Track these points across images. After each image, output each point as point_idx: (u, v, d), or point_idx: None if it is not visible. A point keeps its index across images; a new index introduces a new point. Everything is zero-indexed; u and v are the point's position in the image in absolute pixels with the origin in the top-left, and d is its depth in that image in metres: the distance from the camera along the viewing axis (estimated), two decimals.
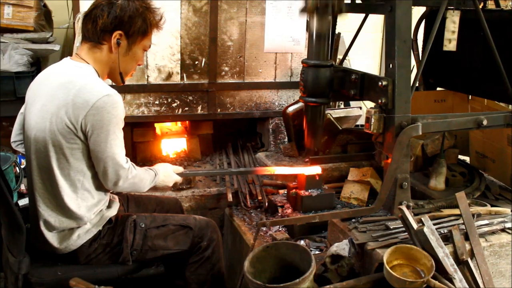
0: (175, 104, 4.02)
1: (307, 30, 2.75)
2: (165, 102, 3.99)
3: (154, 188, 2.50)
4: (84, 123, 1.98)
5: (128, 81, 3.78)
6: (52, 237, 2.17)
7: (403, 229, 2.46)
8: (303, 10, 2.58)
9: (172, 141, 4.49)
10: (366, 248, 2.40)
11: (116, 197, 2.48)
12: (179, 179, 2.63)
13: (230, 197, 3.54)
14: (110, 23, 2.05)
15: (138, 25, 2.09)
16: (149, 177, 2.34)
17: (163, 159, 4.31)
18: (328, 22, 2.61)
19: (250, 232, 3.11)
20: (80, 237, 2.20)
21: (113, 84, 2.29)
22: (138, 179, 2.24)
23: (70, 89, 2.00)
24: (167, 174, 2.53)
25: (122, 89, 3.79)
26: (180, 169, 2.68)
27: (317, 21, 2.58)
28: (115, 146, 2.05)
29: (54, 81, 2.08)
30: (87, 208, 2.18)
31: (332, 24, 2.78)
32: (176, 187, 3.64)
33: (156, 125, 4.41)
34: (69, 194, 2.11)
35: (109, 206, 2.34)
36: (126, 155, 2.18)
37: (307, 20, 2.71)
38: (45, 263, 2.22)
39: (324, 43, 2.68)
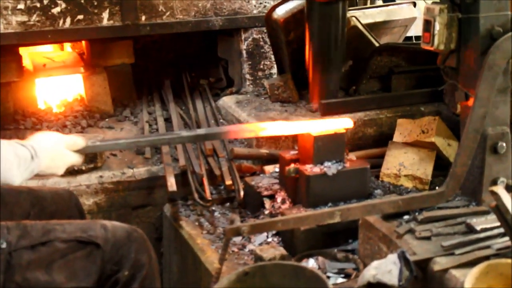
0: (58, 8, 3.98)
1: None
2: (38, 5, 3.94)
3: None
4: None
5: None
6: None
7: (501, 230, 2.48)
8: None
9: (56, 80, 4.46)
10: (432, 269, 2.43)
11: None
12: (77, 160, 2.62)
13: (172, 183, 3.53)
14: None
15: None
16: (16, 160, 2.33)
17: (40, 117, 4.27)
18: None
19: (212, 248, 3.13)
20: None
21: None
22: None
23: None
24: (57, 153, 2.52)
25: None
26: (80, 141, 2.65)
27: None
28: None
29: None
30: None
31: None
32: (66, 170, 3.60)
33: (22, 51, 4.35)
34: None
35: None
36: None
37: None
38: None
39: None
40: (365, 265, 2.65)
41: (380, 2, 5.37)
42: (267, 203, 3.28)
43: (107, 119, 4.37)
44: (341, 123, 3.23)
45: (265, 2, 4.40)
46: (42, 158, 2.41)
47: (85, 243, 2.48)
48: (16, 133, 3.94)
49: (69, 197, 2.95)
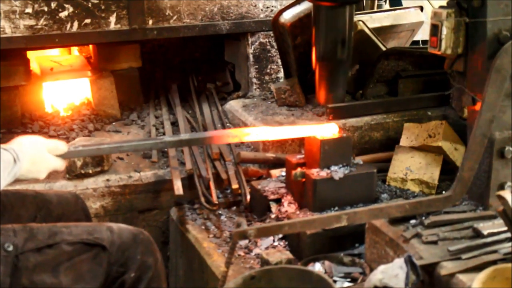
0: (65, 12, 3.99)
1: None
2: (46, 9, 3.95)
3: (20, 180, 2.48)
4: None
5: None
6: None
7: (508, 234, 2.47)
8: None
9: (63, 84, 4.47)
10: (439, 273, 2.42)
11: None
12: (59, 164, 2.60)
13: (179, 187, 3.53)
14: None
15: None
16: (2, 165, 2.33)
17: (47, 121, 4.29)
18: None
19: (218, 252, 3.13)
20: None
21: None
22: None
23: None
24: (38, 157, 2.50)
25: None
26: (62, 146, 2.64)
27: None
28: None
29: None
30: None
31: None
32: (72, 174, 3.61)
33: (29, 55, 4.37)
34: None
35: None
36: None
37: None
38: None
39: None
40: (371, 269, 2.63)
41: (387, 6, 5.36)
42: (274, 207, 3.27)
43: (114, 123, 4.38)
44: (327, 129, 3.23)
45: (272, 7, 4.40)
46: (23, 161, 2.40)
47: (91, 245, 2.48)
48: None
49: (75, 200, 2.95)
